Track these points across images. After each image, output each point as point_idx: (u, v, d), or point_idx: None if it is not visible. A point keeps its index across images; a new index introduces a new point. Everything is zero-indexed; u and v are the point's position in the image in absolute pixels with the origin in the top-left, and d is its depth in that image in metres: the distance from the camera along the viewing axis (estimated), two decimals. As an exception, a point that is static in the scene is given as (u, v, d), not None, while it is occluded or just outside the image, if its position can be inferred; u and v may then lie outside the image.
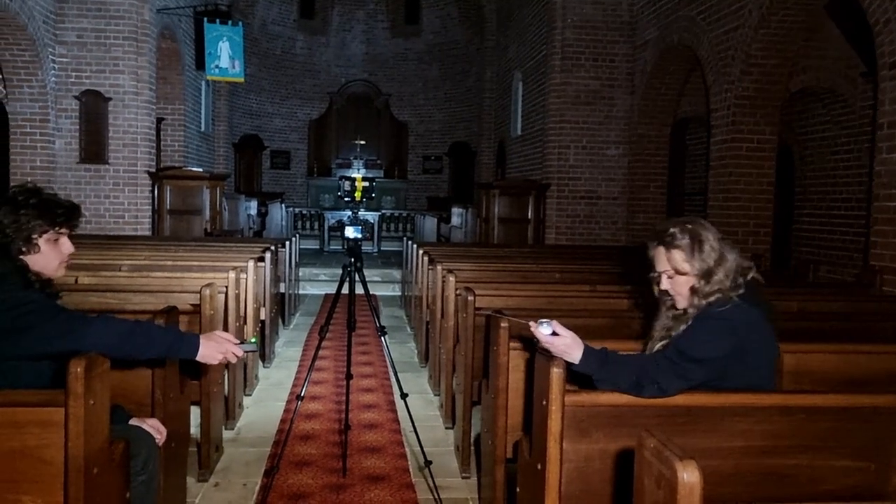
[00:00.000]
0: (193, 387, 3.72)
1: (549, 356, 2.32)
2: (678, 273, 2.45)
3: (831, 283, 7.21)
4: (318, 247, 14.58)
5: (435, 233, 14.06)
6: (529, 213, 10.85)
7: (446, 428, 4.75)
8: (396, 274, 10.99)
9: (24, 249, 2.40)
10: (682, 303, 2.49)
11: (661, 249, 2.48)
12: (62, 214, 2.47)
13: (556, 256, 7.73)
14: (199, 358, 2.47)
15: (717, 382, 2.35)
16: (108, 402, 2.26)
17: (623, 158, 11.03)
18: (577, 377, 2.41)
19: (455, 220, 13.47)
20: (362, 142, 19.14)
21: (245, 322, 5.11)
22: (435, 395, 5.47)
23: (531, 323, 2.34)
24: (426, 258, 6.51)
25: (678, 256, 2.44)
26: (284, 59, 19.42)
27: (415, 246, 7.78)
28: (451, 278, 4.75)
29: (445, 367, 4.85)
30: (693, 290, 2.43)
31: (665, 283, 2.50)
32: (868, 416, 2.34)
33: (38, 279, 2.45)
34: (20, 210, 2.39)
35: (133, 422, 2.69)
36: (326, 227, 14.33)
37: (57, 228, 2.47)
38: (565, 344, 2.30)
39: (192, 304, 3.88)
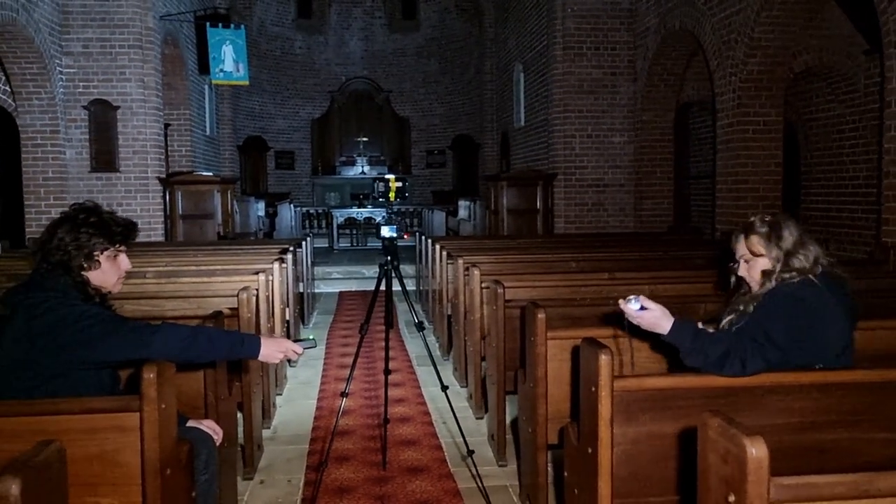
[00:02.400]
0: (238, 388, 3.82)
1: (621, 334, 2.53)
2: (755, 255, 2.59)
3: (843, 262, 7.29)
4: (326, 245, 14.68)
5: (443, 226, 14.15)
6: (538, 203, 10.92)
7: (477, 418, 4.86)
8: (408, 269, 11.07)
9: (85, 266, 2.51)
10: (756, 288, 2.62)
11: (741, 235, 2.65)
12: (120, 233, 2.58)
13: (569, 245, 7.81)
14: (261, 357, 2.58)
15: (795, 361, 2.45)
16: (175, 405, 2.37)
17: (628, 145, 11.11)
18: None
19: (462, 213, 13.56)
20: (365, 139, 19.22)
21: (273, 323, 5.21)
22: (462, 387, 5.57)
23: (620, 300, 2.48)
24: (444, 252, 6.61)
25: (755, 240, 2.59)
26: (284, 60, 19.47)
27: (430, 241, 7.87)
28: (476, 272, 4.85)
29: (473, 359, 4.95)
30: (766, 273, 2.56)
31: (742, 269, 2.65)
32: (903, 389, 2.44)
33: (97, 293, 2.56)
34: (80, 228, 2.49)
35: (191, 423, 2.80)
36: (335, 225, 14.43)
37: (116, 246, 2.57)
38: (654, 316, 2.44)
39: (228, 308, 3.98)
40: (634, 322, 2.48)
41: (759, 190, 8.00)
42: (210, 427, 2.81)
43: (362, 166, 19.66)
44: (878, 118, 6.89)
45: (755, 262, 2.61)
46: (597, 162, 11.10)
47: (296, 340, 2.67)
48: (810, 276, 2.52)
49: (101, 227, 2.53)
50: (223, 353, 2.56)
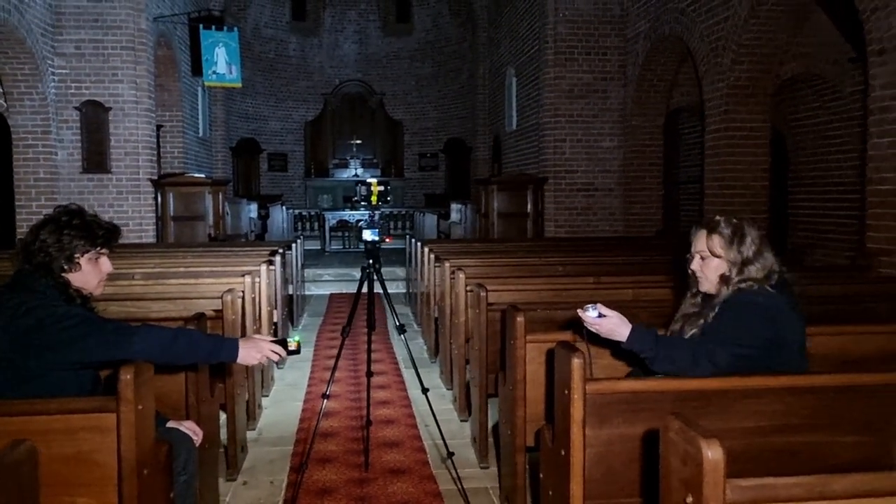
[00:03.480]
0: (221, 390, 3.84)
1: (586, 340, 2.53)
2: (713, 255, 2.62)
3: (828, 267, 7.37)
4: (319, 247, 14.70)
5: (435, 229, 14.19)
6: (528, 207, 10.98)
7: (461, 421, 4.89)
8: (399, 271, 11.10)
9: (66, 268, 2.53)
10: (705, 285, 2.67)
11: (704, 231, 2.67)
12: (102, 235, 2.60)
13: (557, 249, 7.86)
14: (239, 360, 2.61)
15: (762, 364, 2.50)
16: (153, 406, 2.39)
17: (618, 150, 11.18)
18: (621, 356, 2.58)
19: (454, 216, 13.60)
20: (358, 141, 19.27)
21: (260, 325, 5.23)
22: (447, 389, 5.60)
23: (578, 310, 2.50)
24: (432, 256, 6.64)
25: (717, 241, 2.62)
26: (278, 62, 19.51)
27: (419, 244, 7.90)
28: (461, 275, 4.88)
29: (458, 362, 4.98)
30: (723, 278, 2.60)
31: (696, 263, 2.68)
32: (870, 393, 2.48)
33: (78, 295, 2.58)
34: (63, 230, 2.52)
35: (170, 424, 2.82)
36: (327, 227, 14.45)
37: (98, 248, 2.59)
38: (612, 324, 2.47)
39: (214, 310, 4.00)
40: (593, 330, 2.50)
41: (745, 195, 8.07)
42: (190, 428, 2.83)
43: (355, 169, 19.72)
44: (862, 125, 6.95)
45: (710, 261, 2.65)
46: (587, 166, 11.17)
47: (277, 341, 2.70)
48: (766, 286, 2.56)
49: (83, 229, 2.56)
50: (202, 357, 2.59)
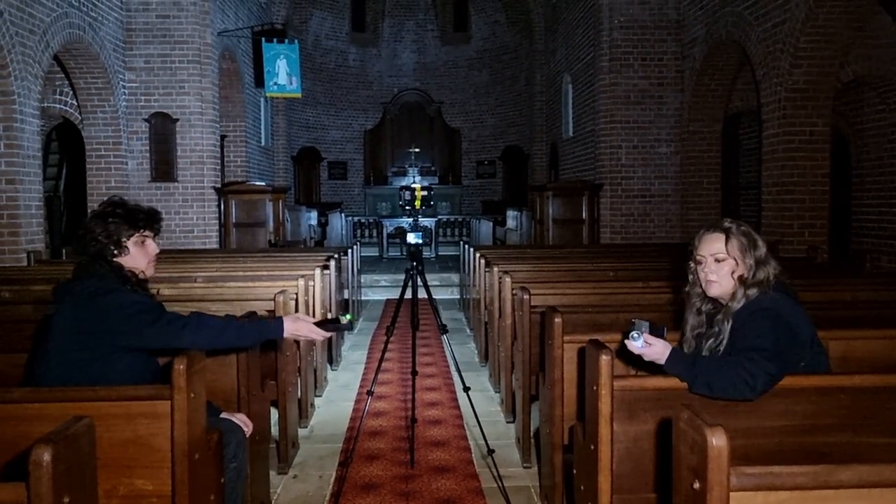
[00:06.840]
0: (272, 387, 4.02)
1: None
2: (731, 258, 2.62)
3: (888, 273, 7.17)
4: (377, 254, 14.95)
5: (491, 236, 14.27)
6: (584, 214, 10.97)
7: (507, 422, 4.97)
8: (454, 277, 11.24)
9: (115, 252, 2.76)
10: (715, 290, 2.66)
11: (720, 235, 2.66)
12: (143, 219, 2.83)
13: (611, 255, 7.85)
14: (286, 334, 2.81)
15: (794, 368, 2.51)
16: (204, 396, 2.55)
17: (675, 156, 11.08)
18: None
19: (510, 223, 13.66)
20: (416, 149, 19.50)
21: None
22: (496, 392, 5.69)
23: (625, 339, 2.52)
24: (483, 261, 6.74)
25: (736, 245, 2.63)
26: (338, 72, 19.93)
27: (472, 249, 8.01)
28: (507, 279, 4.97)
29: (504, 364, 5.06)
30: (741, 279, 2.61)
31: (710, 266, 2.66)
32: (905, 395, 2.47)
33: (134, 277, 2.79)
34: (108, 219, 2.76)
35: (223, 416, 3.00)
36: (385, 234, 14.69)
37: (140, 231, 2.80)
38: (657, 352, 2.47)
39: (267, 311, 4.19)
40: (636, 353, 2.50)
41: (805, 201, 7.91)
42: (241, 419, 3.00)
43: (413, 176, 19.94)
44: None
45: (726, 264, 2.63)
46: (643, 172, 11.10)
47: (331, 320, 2.86)
48: (768, 289, 2.59)
49: (125, 216, 2.79)
50: (252, 337, 2.80)
